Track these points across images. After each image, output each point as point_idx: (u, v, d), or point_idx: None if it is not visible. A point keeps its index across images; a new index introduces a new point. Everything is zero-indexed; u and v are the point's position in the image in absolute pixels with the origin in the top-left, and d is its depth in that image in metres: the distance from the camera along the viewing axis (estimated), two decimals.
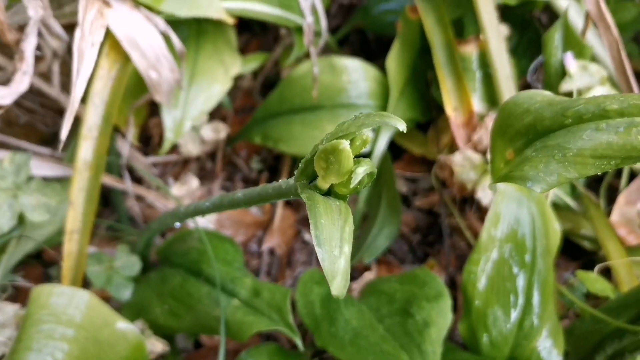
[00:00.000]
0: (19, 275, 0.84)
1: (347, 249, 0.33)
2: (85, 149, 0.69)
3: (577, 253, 0.92)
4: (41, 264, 0.91)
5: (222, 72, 0.83)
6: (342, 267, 0.31)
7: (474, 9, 0.82)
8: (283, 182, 0.43)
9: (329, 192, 0.38)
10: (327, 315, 0.66)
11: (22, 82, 0.61)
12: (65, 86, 0.97)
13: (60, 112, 0.98)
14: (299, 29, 0.89)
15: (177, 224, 0.65)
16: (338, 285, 0.30)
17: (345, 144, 0.31)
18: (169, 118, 0.78)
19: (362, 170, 0.33)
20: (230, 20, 0.76)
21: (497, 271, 0.71)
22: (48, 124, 1.01)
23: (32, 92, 0.97)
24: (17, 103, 0.97)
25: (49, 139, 1.00)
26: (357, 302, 0.70)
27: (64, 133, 0.57)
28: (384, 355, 0.59)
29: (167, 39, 0.72)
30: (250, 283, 0.69)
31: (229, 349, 0.85)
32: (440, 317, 0.65)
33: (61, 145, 0.57)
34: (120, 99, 0.71)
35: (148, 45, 0.69)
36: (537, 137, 0.45)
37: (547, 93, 0.47)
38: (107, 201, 0.98)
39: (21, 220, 0.72)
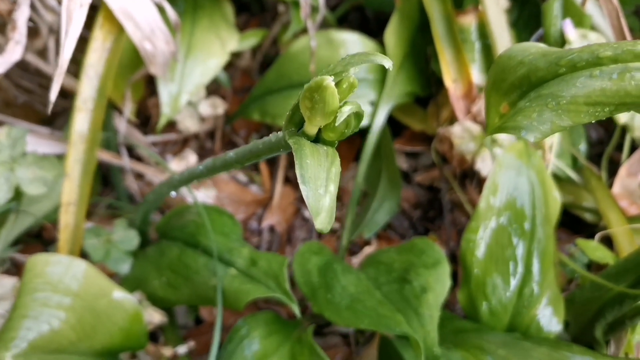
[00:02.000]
0: (18, 252, 0.84)
1: (333, 187, 0.32)
2: (80, 122, 0.69)
3: (578, 226, 0.91)
4: (41, 243, 0.91)
5: (218, 46, 0.83)
6: (327, 204, 0.31)
7: None
8: (273, 135, 0.43)
9: (318, 140, 0.37)
10: (324, 283, 0.66)
11: (14, 52, 0.60)
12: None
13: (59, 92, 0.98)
14: (296, 4, 0.89)
15: (173, 193, 0.65)
16: (322, 220, 0.30)
17: (329, 80, 0.31)
18: (165, 92, 0.78)
19: (348, 109, 0.33)
20: None
21: (495, 239, 0.71)
22: (46, 104, 1.00)
23: (30, 72, 0.97)
24: (15, 83, 0.98)
25: (48, 119, 1.00)
26: (357, 271, 0.70)
27: (52, 95, 0.57)
28: (380, 318, 0.59)
29: (161, 10, 0.72)
30: (247, 253, 0.69)
31: (228, 325, 0.85)
32: (439, 284, 0.65)
33: (50, 107, 0.56)
34: (115, 71, 0.71)
35: (142, 16, 0.69)
36: (531, 88, 0.44)
37: (541, 45, 0.46)
38: (106, 180, 0.98)
39: (18, 195, 0.72)
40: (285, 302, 0.63)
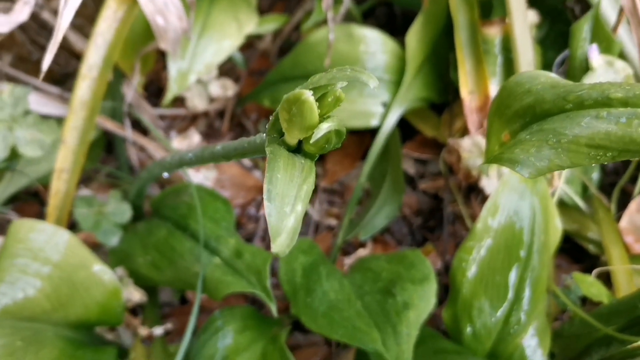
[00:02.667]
0: (13, 210, 0.84)
1: (300, 207, 0.31)
2: (83, 89, 0.68)
3: (580, 256, 0.89)
4: (38, 202, 0.91)
5: (235, 28, 0.81)
6: (290, 225, 0.29)
7: None
8: (259, 136, 0.41)
9: (299, 150, 0.36)
10: (306, 285, 0.65)
11: (22, 12, 0.59)
12: (81, 28, 0.96)
13: (73, 52, 0.97)
14: None
15: (165, 174, 0.64)
16: (281, 242, 0.28)
17: (307, 94, 0.29)
18: (174, 68, 0.77)
19: (326, 127, 0.31)
20: None
21: (488, 262, 0.69)
22: (60, 64, 1.00)
23: (47, 29, 0.97)
24: (32, 39, 0.97)
25: (60, 79, 1.00)
26: (341, 276, 0.68)
27: (47, 59, 0.56)
28: (355, 331, 0.58)
29: None
30: (233, 243, 0.68)
31: (213, 308, 0.84)
32: (422, 301, 0.63)
33: (42, 73, 0.55)
34: (126, 42, 0.70)
35: None
36: (534, 120, 0.42)
37: (552, 75, 0.44)
38: (110, 148, 0.97)
39: (14, 155, 0.72)
40: (264, 300, 0.62)
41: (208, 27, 0.79)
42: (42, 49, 0.99)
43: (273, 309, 0.62)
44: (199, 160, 0.52)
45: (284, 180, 0.31)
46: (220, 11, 0.81)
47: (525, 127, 0.43)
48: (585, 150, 0.38)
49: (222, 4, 0.82)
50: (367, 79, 0.30)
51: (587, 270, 0.85)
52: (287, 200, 0.30)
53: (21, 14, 0.60)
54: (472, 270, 0.69)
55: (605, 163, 0.38)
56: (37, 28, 0.96)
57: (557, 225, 0.70)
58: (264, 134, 0.40)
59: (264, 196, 0.30)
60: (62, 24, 0.55)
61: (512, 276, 0.68)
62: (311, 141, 0.31)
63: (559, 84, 0.42)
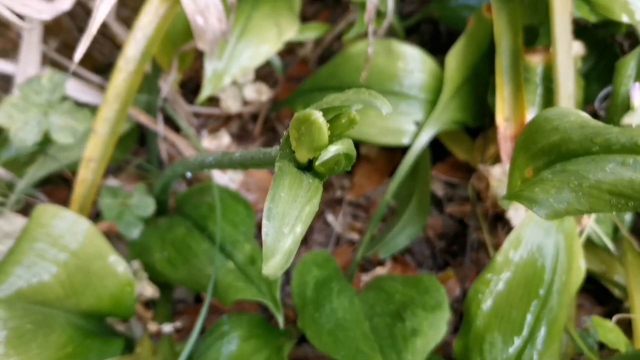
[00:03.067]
0: (43, 193, 0.86)
1: (300, 229, 0.30)
2: (118, 81, 0.69)
3: (605, 298, 0.85)
4: (68, 188, 0.93)
5: (274, 34, 0.81)
6: (287, 247, 0.29)
7: (549, 18, 0.76)
8: (274, 149, 0.41)
9: (310, 168, 0.35)
10: (316, 299, 0.64)
11: (65, 1, 0.60)
12: (127, 20, 0.98)
13: (117, 43, 0.99)
14: (364, 5, 0.86)
15: (188, 174, 0.64)
16: (274, 264, 0.28)
17: (317, 115, 0.29)
18: (209, 68, 0.77)
19: (335, 149, 0.30)
20: None
21: (506, 296, 0.67)
22: (104, 53, 1.02)
23: None
24: (79, 27, 0.99)
25: (103, 68, 1.01)
26: (353, 294, 0.68)
27: (81, 48, 0.57)
28: (357, 353, 0.57)
29: None
30: (249, 249, 0.68)
31: (224, 311, 0.84)
32: (432, 329, 0.62)
33: (76, 62, 0.56)
34: (166, 38, 0.71)
35: None
36: (559, 160, 0.41)
37: (582, 114, 0.42)
38: (144, 141, 0.99)
39: (46, 140, 0.73)
40: (272, 310, 0.61)
41: (248, 30, 0.80)
42: None
43: (280, 320, 0.61)
44: (218, 164, 0.52)
45: (287, 199, 0.31)
46: (262, 16, 0.81)
47: (549, 165, 0.41)
48: (607, 197, 0.37)
49: (265, 8, 0.82)
50: (381, 105, 0.29)
51: (610, 314, 0.82)
52: (287, 221, 0.30)
53: (64, 3, 0.61)
54: (487, 303, 0.67)
55: (627, 212, 0.36)
56: (85, 16, 0.98)
57: (581, 267, 0.68)
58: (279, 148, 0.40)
59: (264, 214, 0.29)
60: (99, 15, 0.56)
61: (529, 313, 0.66)
62: (317, 163, 0.30)
63: (588, 124, 0.40)
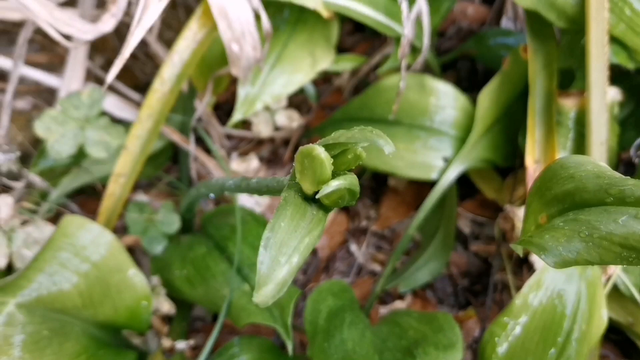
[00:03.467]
0: (75, 203, 0.89)
1: (297, 260, 0.30)
2: (152, 101, 0.72)
3: (631, 351, 0.83)
4: (99, 200, 0.95)
5: (308, 64, 0.82)
6: (281, 276, 0.29)
7: (585, 63, 0.75)
8: (287, 178, 0.41)
9: (317, 200, 0.36)
10: (327, 329, 0.64)
11: (107, 23, 0.63)
12: (170, 42, 1.01)
13: (158, 64, 1.03)
14: (399, 40, 0.87)
15: (211, 195, 0.66)
16: (265, 293, 0.28)
17: (319, 150, 0.29)
18: (242, 93, 0.79)
19: (336, 184, 0.31)
20: (325, 14, 0.75)
21: (522, 342, 0.65)
22: (146, 72, 1.05)
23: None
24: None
25: (143, 86, 1.05)
26: (365, 326, 0.67)
27: (110, 77, 0.59)
28: None
29: (257, 17, 0.72)
30: None
31: (241, 332, 0.85)
32: None
33: (109, 81, 0.59)
34: (200, 60, 0.73)
35: (237, 18, 0.70)
36: (572, 208, 0.40)
37: (601, 164, 0.42)
38: (176, 159, 1.01)
39: (81, 153, 0.76)
40: (283, 336, 0.62)
41: (282, 59, 0.82)
42: (133, 57, 1.04)
43: (289, 346, 0.61)
44: (237, 188, 0.53)
45: (287, 229, 0.31)
46: (297, 45, 0.83)
47: (562, 213, 0.41)
48: (618, 249, 0.36)
49: (301, 38, 0.84)
50: (384, 144, 0.30)
51: None
52: (285, 250, 0.30)
53: (106, 24, 0.64)
54: (503, 347, 0.66)
55: (636, 266, 0.35)
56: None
57: (603, 317, 0.66)
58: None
59: (262, 243, 0.30)
60: (133, 40, 0.58)
61: None
62: (318, 196, 0.31)
63: (604, 175, 0.40)
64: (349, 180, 0.31)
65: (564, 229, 0.39)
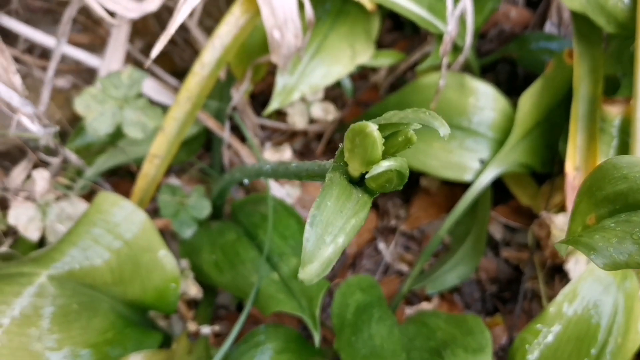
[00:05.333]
0: (108, 183, 0.90)
1: (343, 240, 0.30)
2: (192, 84, 0.71)
3: None
4: (132, 181, 0.96)
5: (348, 56, 0.82)
6: (326, 255, 0.29)
7: (633, 70, 0.73)
8: (329, 162, 0.41)
9: (362, 184, 0.35)
10: (355, 323, 0.63)
11: (152, 2, 0.63)
12: (210, 29, 1.01)
13: (197, 51, 1.03)
14: (441, 37, 0.85)
15: (246, 181, 0.65)
16: (310, 270, 0.28)
17: (372, 127, 0.28)
18: (280, 83, 0.78)
19: (387, 165, 0.30)
20: (369, 6, 0.74)
21: (554, 350, 0.64)
22: (185, 59, 1.06)
23: (181, 25, 1.03)
24: (164, 30, 1.03)
25: (180, 72, 1.05)
26: (393, 323, 0.66)
27: (153, 53, 0.59)
28: None
29: (300, 6, 0.72)
30: (295, 263, 0.68)
31: (263, 322, 0.84)
32: None
33: (151, 58, 0.59)
34: (240, 48, 0.73)
35: (280, 4, 0.69)
36: (624, 209, 0.39)
37: None
38: (210, 146, 1.01)
39: (118, 133, 0.76)
40: (310, 326, 0.61)
41: (322, 49, 0.81)
42: (172, 42, 1.05)
43: (316, 337, 0.61)
44: (274, 173, 0.53)
45: (333, 208, 0.31)
46: (338, 37, 0.82)
47: (613, 214, 0.39)
48: None
49: (342, 30, 0.83)
50: (439, 126, 0.29)
51: None
52: (331, 230, 0.30)
53: (151, 4, 0.64)
54: (534, 355, 0.64)
55: None
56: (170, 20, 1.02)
57: None
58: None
59: (307, 220, 0.29)
60: (179, 17, 0.58)
61: None
62: (368, 176, 0.30)
63: None
64: (399, 162, 0.31)
65: (616, 230, 0.37)
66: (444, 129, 0.29)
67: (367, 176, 0.30)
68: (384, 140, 0.30)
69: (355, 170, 0.33)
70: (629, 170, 0.40)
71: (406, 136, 0.32)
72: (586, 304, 0.64)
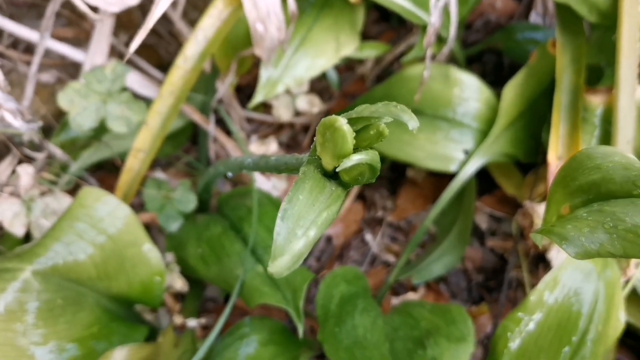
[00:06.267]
0: (94, 177, 0.90)
1: (314, 233, 0.30)
2: (175, 78, 0.72)
3: None
4: (118, 175, 0.96)
5: (332, 48, 0.82)
6: (297, 249, 0.29)
7: (615, 59, 0.73)
8: (306, 155, 0.41)
9: (336, 177, 0.35)
10: (339, 314, 0.64)
11: None
12: (195, 22, 1.01)
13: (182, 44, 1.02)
14: (425, 28, 0.86)
15: (229, 174, 0.65)
16: (281, 263, 0.28)
17: (341, 121, 0.29)
18: (264, 75, 0.79)
19: (357, 158, 0.30)
20: None
21: (535, 338, 0.64)
22: (170, 52, 1.05)
23: (165, 18, 1.02)
24: None
25: (166, 66, 1.05)
26: (377, 314, 0.67)
27: (134, 43, 0.59)
28: None
29: None
30: None
31: (250, 314, 0.85)
32: None
33: (131, 51, 0.59)
34: (224, 41, 0.72)
35: None
36: (597, 199, 0.39)
37: (629, 155, 0.41)
38: (196, 139, 1.01)
39: (103, 127, 0.76)
40: (293, 318, 0.61)
41: (306, 42, 0.81)
42: (158, 35, 1.05)
43: (300, 328, 0.61)
44: (256, 166, 0.53)
45: (305, 202, 0.31)
46: (322, 29, 0.82)
47: (586, 204, 0.40)
48: None
49: (326, 22, 0.83)
50: (408, 119, 0.29)
51: None
52: (302, 223, 0.30)
53: None
54: (515, 342, 0.65)
55: None
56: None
57: (620, 318, 0.64)
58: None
59: (279, 214, 0.29)
60: (157, 10, 0.58)
61: None
62: (338, 169, 0.30)
63: (632, 167, 0.39)
64: (370, 156, 0.31)
65: (588, 219, 0.38)
66: (412, 123, 0.29)
67: (338, 169, 0.31)
68: (355, 134, 0.31)
69: (327, 163, 0.33)
70: (602, 160, 0.40)
71: (378, 129, 0.32)
72: (567, 292, 0.65)
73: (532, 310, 0.65)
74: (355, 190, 0.98)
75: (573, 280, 0.65)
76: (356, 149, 0.32)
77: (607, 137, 0.77)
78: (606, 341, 0.65)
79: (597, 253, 0.36)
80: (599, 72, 0.82)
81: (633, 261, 0.70)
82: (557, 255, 0.73)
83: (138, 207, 0.87)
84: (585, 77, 0.79)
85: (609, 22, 0.76)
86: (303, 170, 0.33)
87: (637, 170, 0.38)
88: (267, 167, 0.49)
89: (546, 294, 0.65)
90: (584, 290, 0.65)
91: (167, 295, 0.76)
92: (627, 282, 0.72)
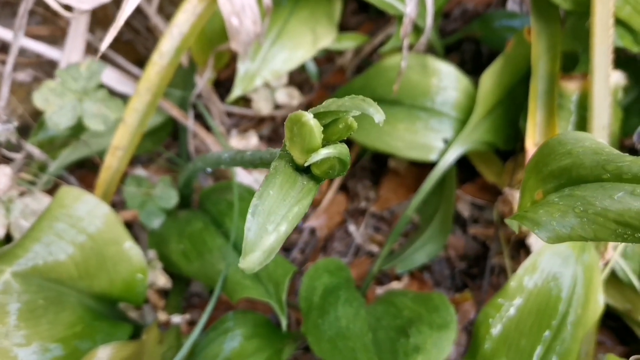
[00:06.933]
0: (74, 176, 0.89)
1: (285, 228, 0.30)
2: (151, 74, 0.71)
3: (628, 338, 0.82)
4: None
5: (309, 40, 0.82)
6: (268, 244, 0.29)
7: (589, 46, 0.74)
8: (279, 150, 0.41)
9: (308, 171, 0.35)
10: (322, 306, 0.64)
11: None
12: (171, 17, 1.00)
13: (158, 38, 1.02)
14: (401, 19, 0.86)
15: (208, 170, 0.65)
16: (252, 259, 0.28)
17: (308, 116, 0.29)
18: (242, 69, 0.78)
19: (325, 152, 0.30)
20: None
21: (516, 324, 0.65)
22: (148, 48, 1.05)
23: (141, 13, 1.02)
24: (126, 21, 1.02)
25: (144, 62, 1.04)
26: (360, 304, 0.67)
27: (103, 45, 0.59)
28: None
29: None
30: None
31: (235, 308, 0.85)
32: (435, 348, 0.61)
33: (103, 49, 0.58)
34: (200, 36, 0.72)
35: None
36: (568, 184, 0.40)
37: (599, 141, 0.41)
38: (176, 135, 1.01)
39: (80, 126, 0.75)
40: (276, 311, 0.62)
41: (283, 35, 0.81)
42: (135, 30, 1.04)
43: (283, 322, 0.61)
44: (232, 161, 0.53)
45: (276, 197, 0.31)
46: (299, 21, 0.82)
47: (558, 189, 0.40)
48: (613, 225, 0.35)
49: (303, 14, 0.83)
50: (374, 112, 0.29)
51: (631, 354, 0.79)
52: (273, 218, 0.30)
53: None
54: (497, 328, 0.66)
55: (632, 243, 0.35)
56: (134, 11, 1.01)
57: (599, 301, 0.66)
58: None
59: (249, 210, 0.30)
60: (126, 9, 0.58)
61: (539, 344, 0.65)
62: (307, 164, 0.30)
63: (602, 151, 0.39)
64: (338, 150, 0.31)
65: (559, 204, 0.38)
66: (378, 116, 0.29)
67: (307, 164, 0.31)
68: (323, 129, 0.31)
69: (297, 158, 0.33)
70: (573, 145, 0.41)
71: (346, 123, 0.32)
72: (546, 276, 0.66)
73: (512, 296, 0.66)
74: (337, 181, 0.98)
75: (552, 265, 0.66)
76: (327, 143, 0.32)
77: (583, 123, 0.78)
78: (586, 324, 0.66)
79: (569, 237, 0.37)
80: (575, 59, 0.83)
81: (610, 244, 0.71)
82: (536, 241, 0.74)
83: (119, 204, 0.87)
84: (561, 64, 0.79)
85: (583, 8, 0.76)
86: (274, 166, 0.33)
87: (606, 155, 0.39)
88: (243, 162, 0.49)
89: (526, 279, 0.66)
90: (562, 274, 0.66)
91: (151, 292, 0.76)
92: (605, 265, 0.73)
